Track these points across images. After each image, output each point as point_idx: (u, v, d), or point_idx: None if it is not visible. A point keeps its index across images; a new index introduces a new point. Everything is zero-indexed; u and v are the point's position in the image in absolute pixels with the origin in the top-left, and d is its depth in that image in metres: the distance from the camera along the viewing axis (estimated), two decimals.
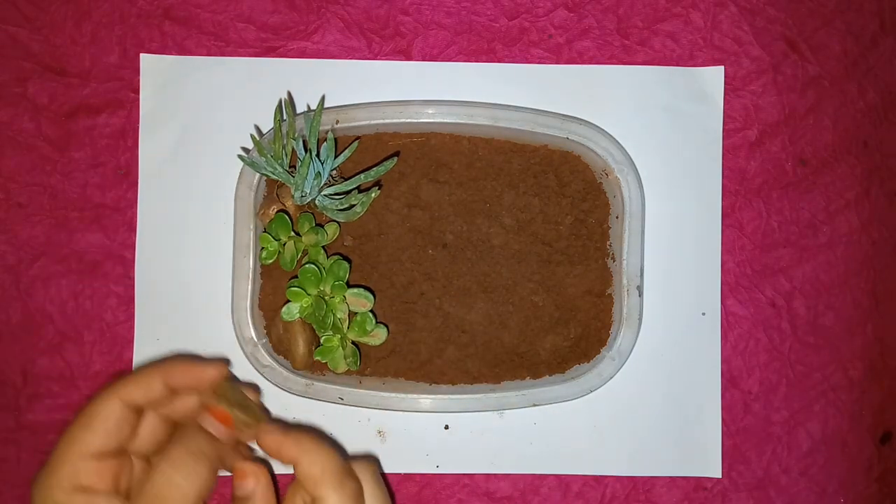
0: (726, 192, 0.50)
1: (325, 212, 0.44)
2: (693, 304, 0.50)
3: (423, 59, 0.50)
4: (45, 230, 0.49)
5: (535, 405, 0.45)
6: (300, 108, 0.49)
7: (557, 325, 0.47)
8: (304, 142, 0.44)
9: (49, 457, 0.34)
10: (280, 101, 0.49)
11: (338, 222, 0.45)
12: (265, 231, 0.43)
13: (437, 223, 0.47)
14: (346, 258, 0.44)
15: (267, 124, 0.49)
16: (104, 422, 0.34)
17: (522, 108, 0.47)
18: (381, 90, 0.49)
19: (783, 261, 0.50)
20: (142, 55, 0.49)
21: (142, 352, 0.48)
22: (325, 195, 0.44)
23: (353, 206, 0.43)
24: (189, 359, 0.37)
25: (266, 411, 0.47)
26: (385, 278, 0.47)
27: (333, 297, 0.43)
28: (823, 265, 0.50)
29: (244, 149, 0.48)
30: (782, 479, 0.50)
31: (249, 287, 0.44)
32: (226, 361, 0.40)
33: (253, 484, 0.35)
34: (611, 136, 0.47)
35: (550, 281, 0.47)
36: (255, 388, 0.44)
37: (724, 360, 0.50)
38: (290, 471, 0.35)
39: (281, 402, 0.48)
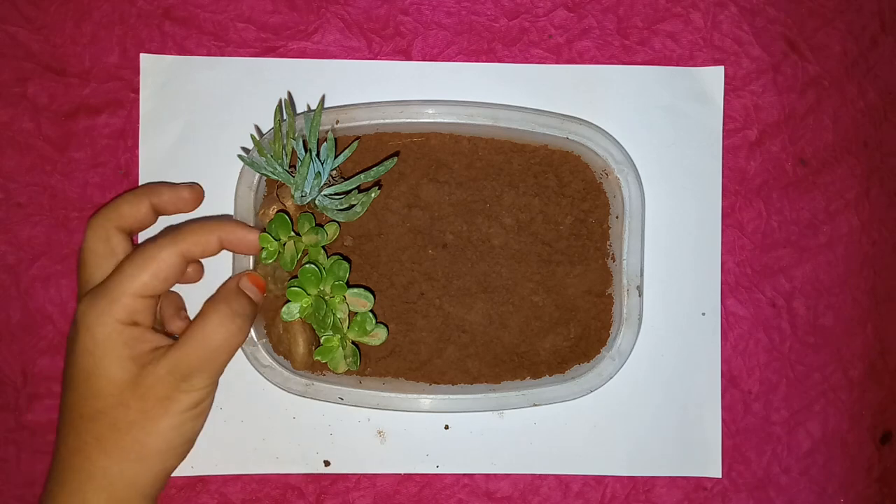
0: (726, 192, 0.50)
1: (325, 212, 0.44)
2: (693, 304, 0.50)
3: (423, 59, 0.50)
4: (45, 230, 0.49)
5: (535, 405, 0.45)
6: (300, 108, 0.49)
7: (557, 325, 0.47)
8: (304, 142, 0.44)
9: (103, 289, 0.38)
10: (280, 101, 0.49)
11: (338, 222, 0.45)
12: (265, 231, 0.43)
13: (437, 223, 0.47)
14: (346, 258, 0.44)
15: (267, 124, 0.49)
16: (164, 269, 0.38)
17: (522, 108, 0.47)
18: (381, 90, 0.49)
19: (783, 261, 0.50)
20: (142, 55, 0.49)
21: None
22: (325, 195, 0.44)
23: (353, 206, 0.43)
24: (241, 223, 0.42)
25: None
26: (385, 278, 0.47)
27: (333, 297, 0.43)
28: (823, 265, 0.50)
29: (244, 149, 0.48)
30: (782, 479, 0.50)
31: None
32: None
33: (259, 294, 0.42)
34: (611, 136, 0.47)
35: (550, 281, 0.47)
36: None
37: (724, 360, 0.50)
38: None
39: (281, 401, 0.48)
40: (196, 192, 0.45)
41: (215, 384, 0.40)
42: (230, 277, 0.43)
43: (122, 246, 0.41)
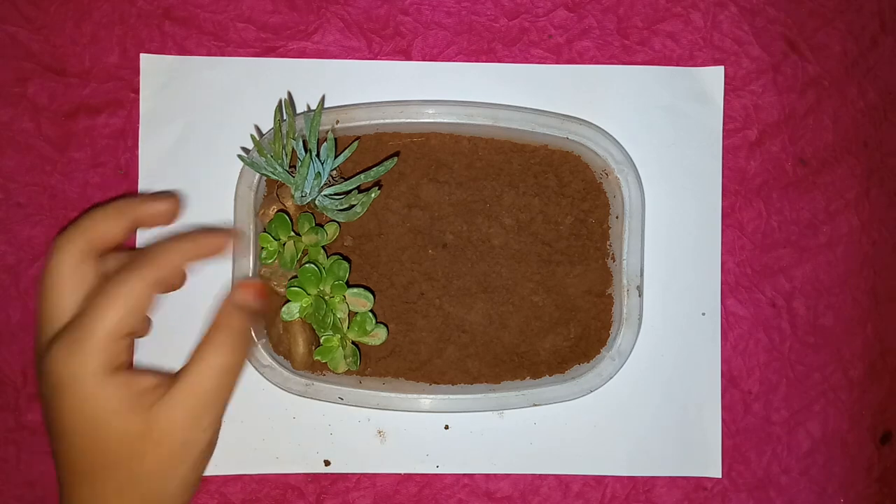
0: (726, 192, 0.50)
1: (325, 212, 0.44)
2: (693, 304, 0.50)
3: (423, 59, 0.50)
4: (45, 230, 0.49)
5: (535, 405, 0.45)
6: (300, 108, 0.49)
7: (557, 325, 0.47)
8: (304, 142, 0.44)
9: (74, 337, 0.33)
10: (280, 101, 0.49)
11: (338, 222, 0.45)
12: (265, 231, 0.43)
13: (437, 223, 0.47)
14: (346, 258, 0.44)
15: (267, 124, 0.49)
16: (139, 304, 0.34)
17: (522, 108, 0.47)
18: (381, 90, 0.49)
19: (783, 261, 0.50)
20: (142, 55, 0.49)
21: (140, 352, 0.48)
22: (325, 195, 0.44)
23: (353, 206, 0.43)
24: (204, 231, 0.39)
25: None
26: (385, 278, 0.47)
27: (333, 297, 0.43)
28: (823, 265, 0.50)
29: (244, 149, 0.48)
30: (782, 479, 0.50)
31: None
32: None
33: (259, 300, 0.39)
34: (611, 136, 0.47)
35: (550, 281, 0.47)
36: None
37: (724, 360, 0.50)
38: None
39: (281, 401, 0.48)
40: (174, 204, 0.40)
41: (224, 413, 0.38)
42: (228, 293, 0.39)
43: (92, 273, 0.37)
